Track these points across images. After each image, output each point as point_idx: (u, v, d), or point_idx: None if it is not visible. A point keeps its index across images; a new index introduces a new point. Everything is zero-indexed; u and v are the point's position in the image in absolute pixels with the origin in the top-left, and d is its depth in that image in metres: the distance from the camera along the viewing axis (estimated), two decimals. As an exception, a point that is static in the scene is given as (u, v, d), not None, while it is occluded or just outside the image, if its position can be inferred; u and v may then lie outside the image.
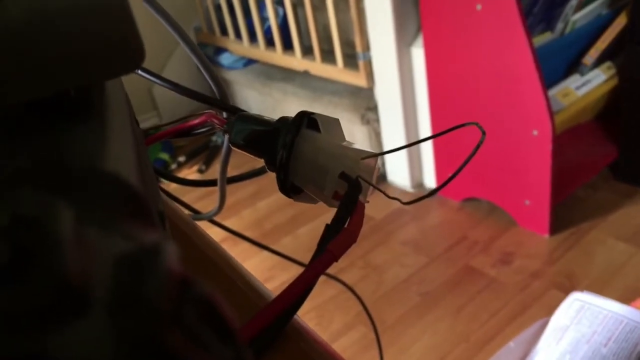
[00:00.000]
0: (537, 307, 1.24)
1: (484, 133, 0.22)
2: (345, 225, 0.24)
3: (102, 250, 0.09)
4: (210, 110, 0.39)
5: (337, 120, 0.28)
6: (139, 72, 0.38)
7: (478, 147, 0.21)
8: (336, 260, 0.23)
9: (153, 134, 0.39)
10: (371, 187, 0.25)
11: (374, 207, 1.68)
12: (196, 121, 0.40)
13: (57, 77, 0.15)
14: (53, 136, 0.14)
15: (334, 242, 0.23)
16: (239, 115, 0.33)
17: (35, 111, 0.16)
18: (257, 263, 1.46)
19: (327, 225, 0.24)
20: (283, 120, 0.29)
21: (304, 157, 0.27)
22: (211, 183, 0.50)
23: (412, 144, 0.27)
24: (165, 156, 2.07)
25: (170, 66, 2.22)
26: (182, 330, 0.08)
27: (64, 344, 0.07)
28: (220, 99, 0.38)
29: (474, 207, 1.60)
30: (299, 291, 0.21)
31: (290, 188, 0.28)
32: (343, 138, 0.27)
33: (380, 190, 0.25)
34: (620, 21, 1.51)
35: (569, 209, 1.49)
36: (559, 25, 1.46)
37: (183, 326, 0.08)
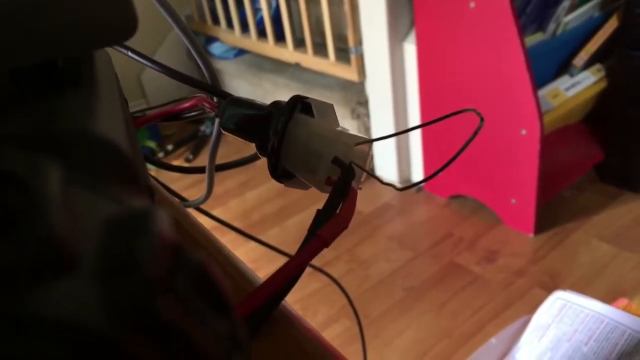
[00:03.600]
0: (520, 304, 1.25)
1: (482, 119, 0.22)
2: (337, 211, 0.23)
3: (91, 212, 0.08)
4: (201, 94, 0.38)
5: (331, 106, 0.27)
6: (129, 53, 0.37)
7: (476, 133, 0.21)
8: (327, 246, 0.22)
9: (141, 117, 0.38)
10: (364, 174, 0.25)
11: (361, 201, 1.67)
12: (186, 105, 0.40)
13: (43, 44, 0.14)
14: (41, 103, 0.13)
15: (325, 227, 0.23)
16: (230, 99, 0.33)
17: (23, 81, 0.15)
18: (243, 254, 1.45)
19: (318, 210, 0.23)
20: (276, 104, 0.29)
21: (297, 142, 0.27)
22: (199, 170, 0.49)
23: (407, 131, 0.27)
24: (152, 144, 2.05)
25: (159, 54, 2.19)
26: (175, 297, 0.08)
27: (47, 303, 0.07)
28: (211, 84, 0.38)
29: (460, 205, 1.60)
30: (288, 276, 0.21)
31: (281, 173, 0.28)
32: (337, 123, 0.27)
33: (374, 176, 0.25)
34: (612, 24, 1.52)
35: (554, 209, 1.50)
36: (551, 26, 1.46)
37: (176, 294, 0.08)
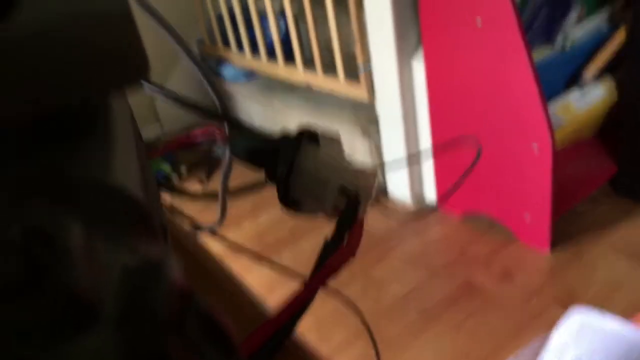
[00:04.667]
0: (538, 323, 1.23)
1: (479, 153, 0.23)
2: (345, 240, 0.24)
3: (110, 264, 0.09)
4: (212, 124, 0.39)
5: (337, 135, 0.28)
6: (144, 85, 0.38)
7: (473, 165, 0.22)
8: (335, 276, 0.23)
9: (156, 147, 0.39)
10: (369, 201, 0.25)
11: (374, 221, 1.67)
12: (198, 134, 0.41)
13: (57, 93, 0.15)
14: (61, 151, 0.14)
15: (333, 257, 0.23)
16: (240, 129, 0.33)
17: (42, 126, 0.16)
18: (258, 276, 1.45)
19: (326, 240, 0.24)
20: (285, 134, 0.29)
21: (305, 172, 0.27)
22: (212, 196, 0.50)
23: (413, 157, 0.27)
24: (166, 167, 2.07)
25: (175, 75, 2.23)
26: (185, 342, 0.09)
27: (73, 355, 0.07)
28: (222, 112, 0.39)
29: (474, 222, 1.59)
30: (298, 306, 0.21)
31: (290, 202, 0.28)
32: (343, 153, 0.27)
33: (380, 205, 0.25)
34: (620, 37, 1.52)
35: (569, 224, 1.49)
36: (559, 40, 1.47)
37: (185, 338, 0.09)
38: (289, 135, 0.29)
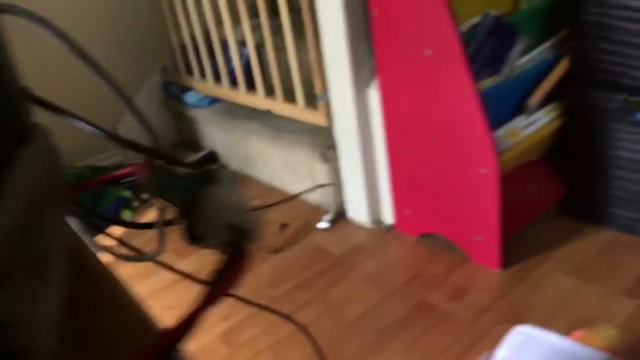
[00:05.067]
0: (487, 340, 1.27)
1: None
2: (230, 271, 0.27)
3: None
4: (137, 162, 0.42)
5: (232, 177, 0.31)
6: (81, 122, 0.41)
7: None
8: (218, 303, 0.26)
9: (80, 184, 0.42)
10: (258, 234, 0.29)
11: (333, 243, 1.71)
12: (123, 172, 0.44)
13: None
14: None
15: (219, 286, 0.26)
16: (155, 170, 0.36)
17: None
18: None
19: (213, 270, 0.27)
20: (189, 175, 0.33)
21: (204, 210, 0.30)
22: (150, 226, 0.52)
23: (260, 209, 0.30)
24: (127, 194, 2.07)
25: (137, 101, 2.24)
26: None
27: None
28: (149, 150, 0.42)
29: (430, 243, 1.64)
30: (181, 331, 0.24)
31: (192, 237, 0.31)
32: (236, 193, 0.31)
33: (258, 243, 0.29)
34: (563, 65, 1.61)
35: (519, 244, 1.55)
36: (505, 70, 1.54)
37: None
38: (192, 176, 0.32)
